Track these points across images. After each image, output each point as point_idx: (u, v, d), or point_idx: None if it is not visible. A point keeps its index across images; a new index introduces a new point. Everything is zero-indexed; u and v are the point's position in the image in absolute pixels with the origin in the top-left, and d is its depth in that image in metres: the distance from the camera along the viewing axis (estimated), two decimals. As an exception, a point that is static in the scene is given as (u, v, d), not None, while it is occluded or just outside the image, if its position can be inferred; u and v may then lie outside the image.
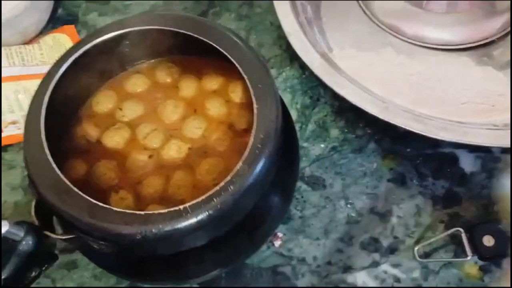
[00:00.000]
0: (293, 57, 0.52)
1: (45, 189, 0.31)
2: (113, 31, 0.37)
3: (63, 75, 0.34)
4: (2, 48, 0.49)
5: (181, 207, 0.30)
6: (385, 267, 0.42)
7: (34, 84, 0.48)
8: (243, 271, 0.42)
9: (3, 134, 0.47)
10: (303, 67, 0.51)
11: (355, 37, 0.52)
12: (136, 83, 0.39)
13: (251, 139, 0.32)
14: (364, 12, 0.54)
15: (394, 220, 0.44)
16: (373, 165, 0.46)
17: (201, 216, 0.30)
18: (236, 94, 0.38)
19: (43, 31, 0.55)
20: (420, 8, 0.52)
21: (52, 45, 0.51)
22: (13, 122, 0.47)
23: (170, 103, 0.39)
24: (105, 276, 0.43)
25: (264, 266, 0.42)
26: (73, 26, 0.55)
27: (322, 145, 0.47)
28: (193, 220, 0.30)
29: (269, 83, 0.34)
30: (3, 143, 0.48)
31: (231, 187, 0.31)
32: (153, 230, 0.30)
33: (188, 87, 0.39)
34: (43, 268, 0.35)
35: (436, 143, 0.47)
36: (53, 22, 0.55)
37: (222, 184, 0.31)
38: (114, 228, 0.31)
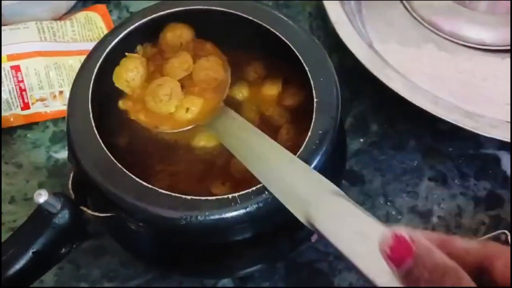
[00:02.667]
0: (331, 48, 0.50)
1: (88, 164, 0.30)
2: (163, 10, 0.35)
3: (112, 49, 0.33)
4: (33, 23, 0.47)
5: (230, 196, 0.29)
6: (425, 268, 0.40)
7: (66, 61, 0.46)
8: (278, 265, 0.40)
9: (30, 111, 0.45)
10: (342, 59, 0.50)
11: (396, 31, 0.50)
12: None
13: (309, 134, 0.30)
14: (405, 7, 0.52)
15: (434, 220, 0.42)
16: (414, 163, 0.44)
17: (250, 207, 0.29)
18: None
19: (73, 9, 0.53)
20: (463, 6, 0.51)
21: (84, 23, 0.49)
22: (41, 99, 0.45)
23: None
24: (133, 264, 0.41)
25: (299, 261, 0.40)
26: (104, 5, 0.53)
27: (362, 140, 0.46)
28: (241, 211, 0.29)
29: (331, 78, 0.32)
30: (29, 121, 0.46)
31: None
32: (198, 217, 0.29)
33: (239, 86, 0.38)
34: (74, 246, 0.33)
35: (478, 143, 0.45)
36: (83, 0, 0.53)
37: None
38: (158, 211, 0.29)
